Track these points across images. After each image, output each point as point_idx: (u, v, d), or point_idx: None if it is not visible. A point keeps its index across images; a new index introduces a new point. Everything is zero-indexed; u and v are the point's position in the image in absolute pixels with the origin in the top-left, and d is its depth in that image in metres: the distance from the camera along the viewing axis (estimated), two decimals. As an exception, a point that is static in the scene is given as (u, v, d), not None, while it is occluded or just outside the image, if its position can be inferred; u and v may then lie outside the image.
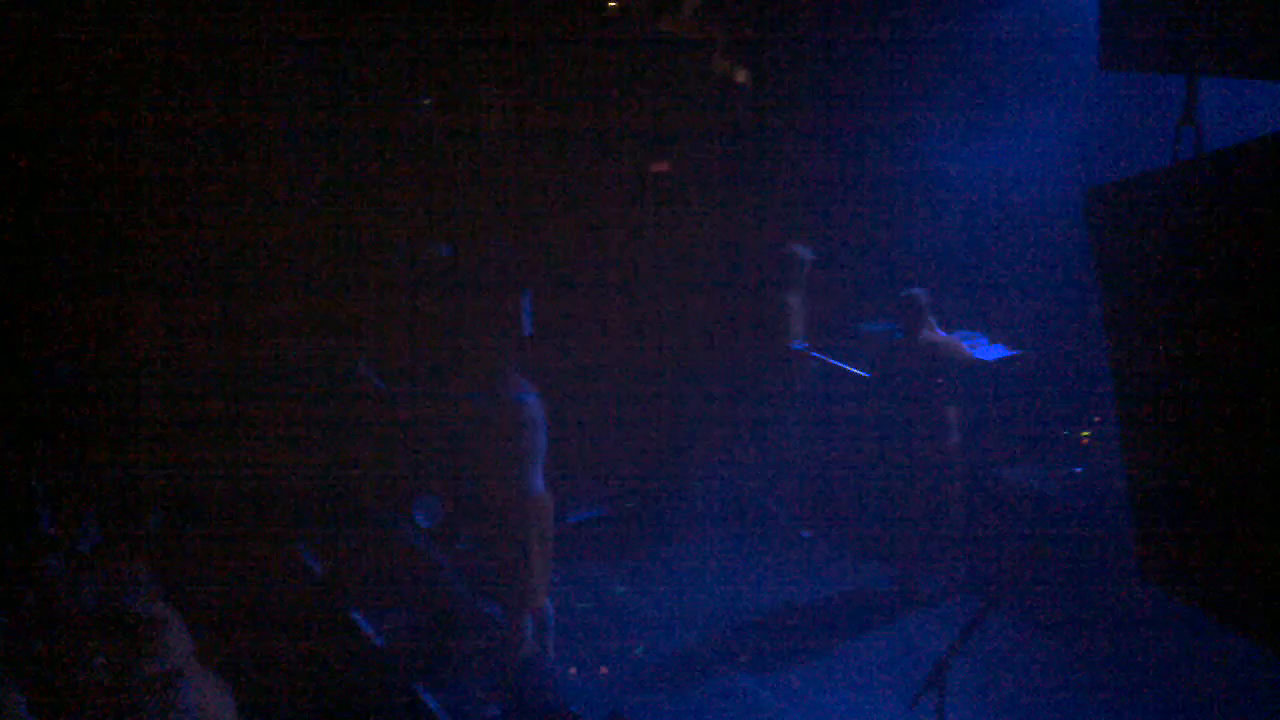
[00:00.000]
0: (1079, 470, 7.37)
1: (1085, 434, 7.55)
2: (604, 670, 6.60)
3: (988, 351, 7.79)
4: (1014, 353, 7.88)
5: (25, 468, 6.32)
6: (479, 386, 6.11)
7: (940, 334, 7.05)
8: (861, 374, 8.08)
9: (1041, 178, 7.61)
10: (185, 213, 8.25)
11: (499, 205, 9.19)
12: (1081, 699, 6.18)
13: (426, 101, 9.19)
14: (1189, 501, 2.34)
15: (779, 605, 7.30)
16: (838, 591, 7.47)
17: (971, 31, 7.89)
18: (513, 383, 6.08)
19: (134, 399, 7.86)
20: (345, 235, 8.73)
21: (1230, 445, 2.18)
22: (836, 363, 8.36)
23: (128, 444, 7.37)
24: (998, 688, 6.23)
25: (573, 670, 6.54)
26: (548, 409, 6.16)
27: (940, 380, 6.95)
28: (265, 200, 8.49)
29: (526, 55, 8.97)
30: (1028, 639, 6.69)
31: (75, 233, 7.99)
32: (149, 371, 7.97)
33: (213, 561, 6.55)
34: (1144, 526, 2.47)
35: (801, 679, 6.48)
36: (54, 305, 7.96)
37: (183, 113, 8.10)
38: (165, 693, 3.92)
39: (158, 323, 8.10)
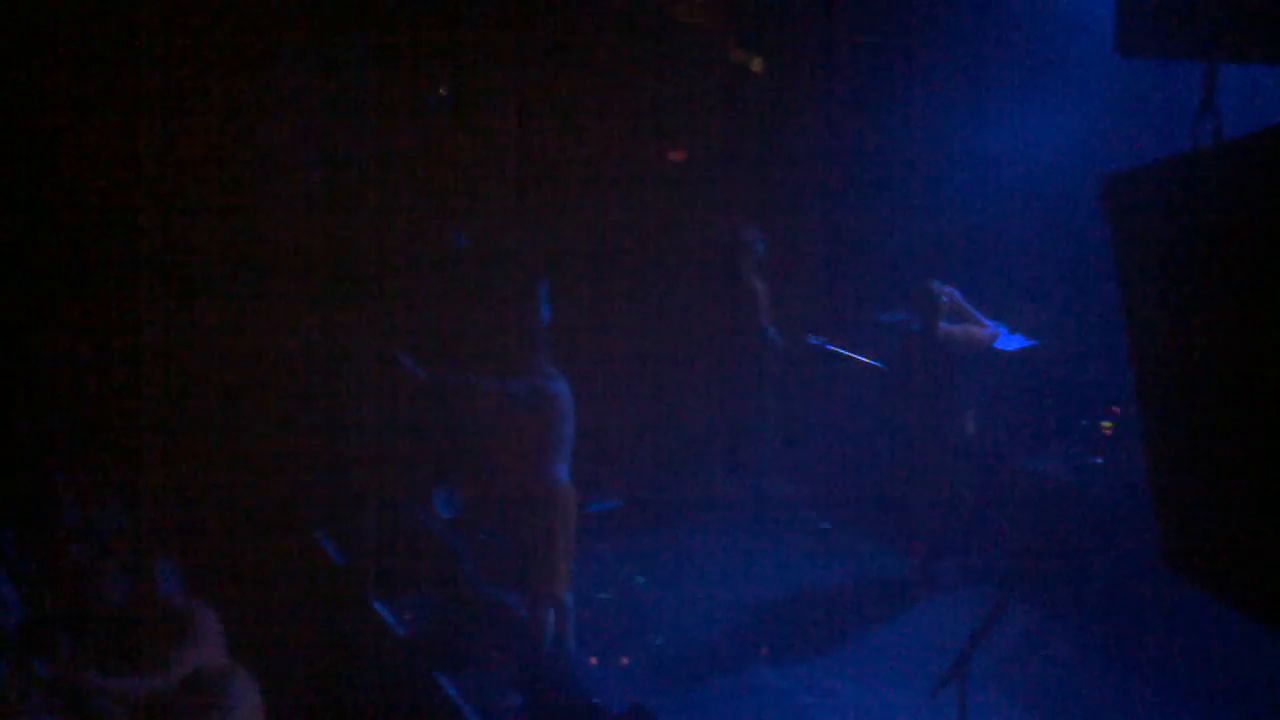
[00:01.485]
0: (1099, 460, 7.34)
1: (1106, 424, 7.52)
2: (624, 660, 6.61)
3: (1007, 341, 7.76)
4: (1033, 343, 7.84)
5: (47, 455, 6.34)
6: (510, 374, 6.08)
7: (976, 315, 7.05)
8: (878, 365, 8.06)
9: (1060, 165, 7.56)
10: (196, 200, 8.26)
11: (513, 194, 9.19)
12: (1102, 688, 6.17)
13: (442, 92, 9.19)
14: (1211, 491, 2.33)
15: (798, 596, 7.30)
16: (856, 582, 7.47)
17: (987, 15, 7.85)
18: (543, 370, 6.07)
19: (155, 386, 7.90)
20: (361, 226, 8.73)
21: (1253, 434, 2.17)
22: (851, 355, 8.34)
23: (149, 432, 7.41)
24: (1018, 677, 6.22)
25: (593, 660, 6.55)
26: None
27: (957, 373, 6.94)
28: (282, 188, 8.50)
29: (541, 44, 8.96)
30: (1049, 629, 6.67)
31: (89, 222, 8.01)
32: (170, 358, 8.00)
33: (233, 551, 6.58)
34: (1165, 516, 2.47)
35: (822, 670, 6.48)
36: (73, 292, 7.99)
37: (190, 103, 8.10)
38: (207, 693, 3.86)
39: (179, 307, 8.12)
